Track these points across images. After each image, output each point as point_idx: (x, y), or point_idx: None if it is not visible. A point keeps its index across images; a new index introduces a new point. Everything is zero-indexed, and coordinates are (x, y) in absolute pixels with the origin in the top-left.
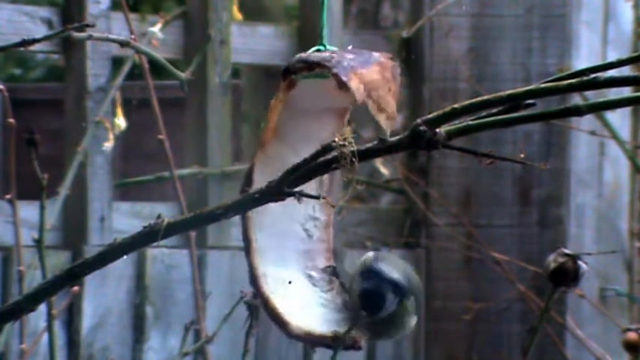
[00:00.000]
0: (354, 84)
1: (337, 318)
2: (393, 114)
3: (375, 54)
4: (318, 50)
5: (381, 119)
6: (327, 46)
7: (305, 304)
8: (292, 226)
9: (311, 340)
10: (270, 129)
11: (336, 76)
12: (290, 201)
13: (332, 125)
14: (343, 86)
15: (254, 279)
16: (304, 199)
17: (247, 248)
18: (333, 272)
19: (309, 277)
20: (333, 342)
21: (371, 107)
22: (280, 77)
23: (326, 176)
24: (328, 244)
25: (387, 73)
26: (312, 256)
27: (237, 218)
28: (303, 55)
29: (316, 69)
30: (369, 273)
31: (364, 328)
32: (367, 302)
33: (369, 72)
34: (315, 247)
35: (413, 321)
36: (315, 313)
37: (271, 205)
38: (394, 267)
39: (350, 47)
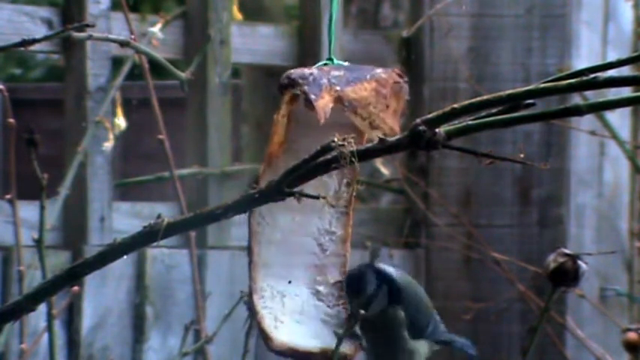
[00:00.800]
0: (323, 102)
1: (330, 335)
2: (391, 131)
3: (378, 70)
4: (325, 64)
5: (375, 136)
6: (335, 61)
7: (301, 319)
8: (304, 240)
9: (295, 356)
10: (277, 144)
11: (304, 93)
12: (303, 215)
13: None
14: (309, 104)
15: (250, 292)
16: (319, 213)
17: (250, 261)
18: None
19: (316, 291)
20: (320, 358)
21: (360, 124)
22: (278, 79)
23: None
24: (345, 259)
25: (386, 89)
26: (324, 270)
27: (237, 218)
28: (291, 70)
29: (297, 85)
30: (360, 266)
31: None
32: (349, 283)
33: (357, 89)
34: (328, 262)
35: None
36: (308, 329)
37: (283, 220)
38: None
39: (346, 63)
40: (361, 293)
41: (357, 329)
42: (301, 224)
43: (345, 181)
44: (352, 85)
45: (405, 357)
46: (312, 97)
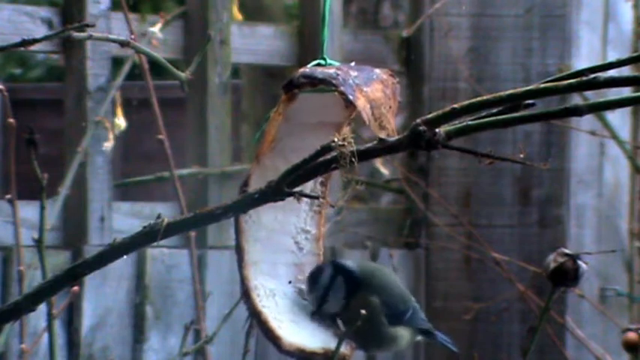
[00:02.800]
0: (361, 103)
1: (325, 333)
2: (393, 132)
3: (377, 70)
4: (319, 64)
5: (381, 137)
6: (328, 60)
7: (295, 319)
8: (284, 239)
9: (303, 357)
10: (268, 141)
11: (342, 94)
12: (283, 214)
13: (329, 138)
14: (350, 105)
15: (246, 291)
16: (296, 211)
17: (240, 261)
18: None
19: (299, 291)
20: (323, 358)
21: (373, 126)
22: (281, 84)
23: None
24: (319, 258)
25: (388, 90)
26: (303, 269)
27: None
28: (307, 70)
29: (320, 86)
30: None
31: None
32: (307, 281)
33: (372, 90)
34: (305, 260)
35: (399, 334)
36: (304, 329)
37: (266, 218)
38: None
39: (353, 63)
40: (315, 287)
41: (341, 324)
42: (282, 222)
43: (319, 179)
44: (369, 85)
45: (388, 342)
46: (351, 97)
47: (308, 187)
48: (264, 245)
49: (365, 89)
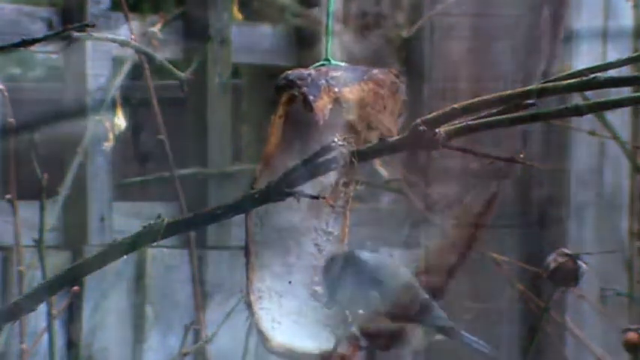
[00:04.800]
0: (321, 104)
1: (330, 335)
2: (388, 132)
3: (374, 70)
4: (323, 65)
5: (372, 137)
6: (333, 61)
7: (299, 320)
8: (301, 240)
9: (293, 357)
10: (273, 144)
11: (303, 95)
12: (301, 215)
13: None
14: (307, 106)
15: (247, 292)
16: (317, 213)
17: (247, 262)
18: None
19: (314, 292)
20: (319, 359)
21: (357, 125)
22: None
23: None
24: None
25: (384, 90)
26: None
27: (237, 218)
28: (288, 72)
29: (295, 86)
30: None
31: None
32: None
33: (355, 90)
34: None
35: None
36: (306, 330)
37: (278, 220)
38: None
39: (343, 64)
40: (326, 277)
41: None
42: (299, 224)
43: (342, 181)
44: (350, 85)
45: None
46: (311, 98)
47: (328, 187)
48: (276, 247)
49: (338, 89)
